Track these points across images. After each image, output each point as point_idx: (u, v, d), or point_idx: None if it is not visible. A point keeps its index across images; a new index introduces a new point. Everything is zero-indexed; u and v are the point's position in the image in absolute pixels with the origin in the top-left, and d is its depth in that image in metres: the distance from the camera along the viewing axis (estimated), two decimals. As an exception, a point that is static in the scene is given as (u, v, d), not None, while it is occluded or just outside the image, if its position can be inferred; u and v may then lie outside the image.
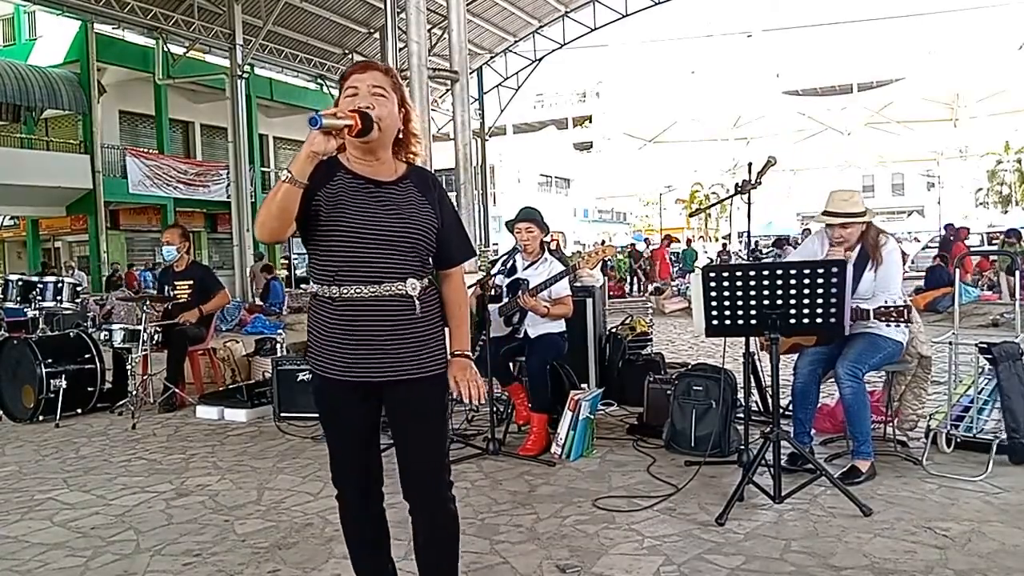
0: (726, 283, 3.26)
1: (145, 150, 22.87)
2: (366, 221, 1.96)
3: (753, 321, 3.25)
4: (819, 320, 3.18)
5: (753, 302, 3.22)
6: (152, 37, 19.50)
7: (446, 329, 2.11)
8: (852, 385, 3.53)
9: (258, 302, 15.48)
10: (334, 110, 1.86)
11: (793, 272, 3.18)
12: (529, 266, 4.55)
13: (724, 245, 20.44)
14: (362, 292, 1.95)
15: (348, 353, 1.98)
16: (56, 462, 4.49)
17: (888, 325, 3.54)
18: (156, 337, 5.78)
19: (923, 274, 14.05)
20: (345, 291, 1.96)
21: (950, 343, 3.92)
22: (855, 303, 3.53)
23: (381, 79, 2.00)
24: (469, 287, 3.39)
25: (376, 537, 2.19)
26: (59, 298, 6.10)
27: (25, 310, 6.51)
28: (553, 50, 26.12)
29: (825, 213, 3.78)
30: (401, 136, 2.07)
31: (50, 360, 5.55)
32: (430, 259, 2.07)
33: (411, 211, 2.01)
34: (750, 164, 4.45)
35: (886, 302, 3.47)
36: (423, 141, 2.15)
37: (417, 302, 1.99)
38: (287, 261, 24.17)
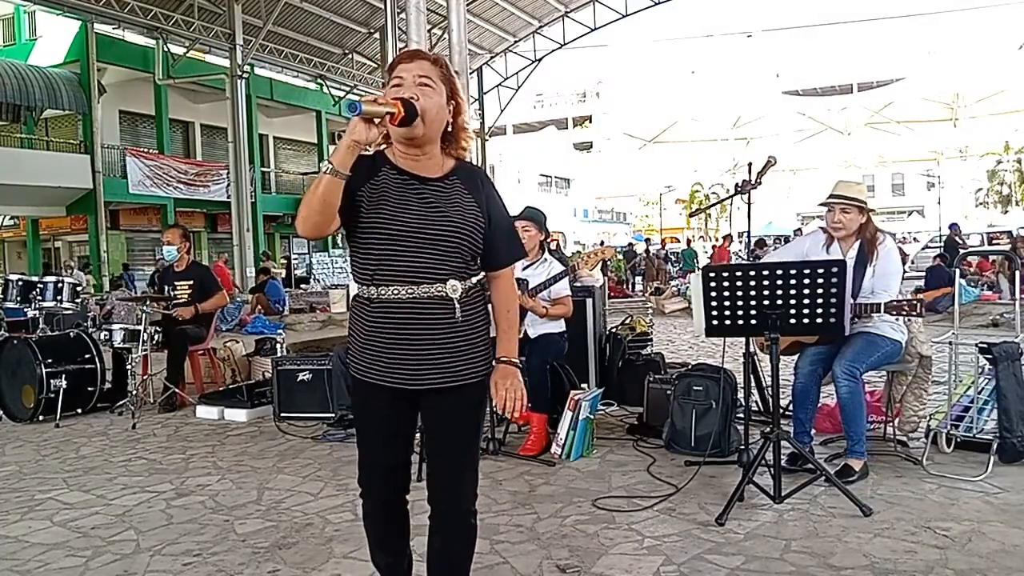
0: (726, 283, 3.26)
1: (145, 150, 22.90)
2: (406, 219, 1.88)
3: (753, 321, 3.25)
4: (819, 320, 3.18)
5: (753, 302, 3.22)
6: (152, 37, 19.54)
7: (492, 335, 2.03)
8: (849, 384, 3.53)
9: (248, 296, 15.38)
10: (375, 97, 1.77)
11: (793, 272, 3.18)
12: (528, 266, 4.55)
13: (715, 247, 20.61)
14: (400, 293, 1.88)
15: (385, 358, 1.92)
16: (56, 462, 4.48)
17: (898, 319, 3.53)
18: (156, 337, 5.78)
19: (923, 274, 14.06)
20: (383, 292, 1.90)
21: (950, 343, 3.92)
22: (861, 300, 3.53)
23: (428, 69, 1.90)
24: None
25: (396, 536, 2.14)
26: (59, 298, 6.09)
27: (25, 310, 6.51)
28: (553, 50, 26.16)
29: (829, 196, 3.77)
30: (450, 130, 1.97)
31: (50, 360, 5.55)
32: (476, 260, 1.98)
33: (455, 209, 1.92)
34: (750, 164, 4.44)
35: (888, 291, 3.46)
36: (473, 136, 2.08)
37: (458, 305, 1.90)
38: (287, 261, 24.19)
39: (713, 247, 23.04)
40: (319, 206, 1.78)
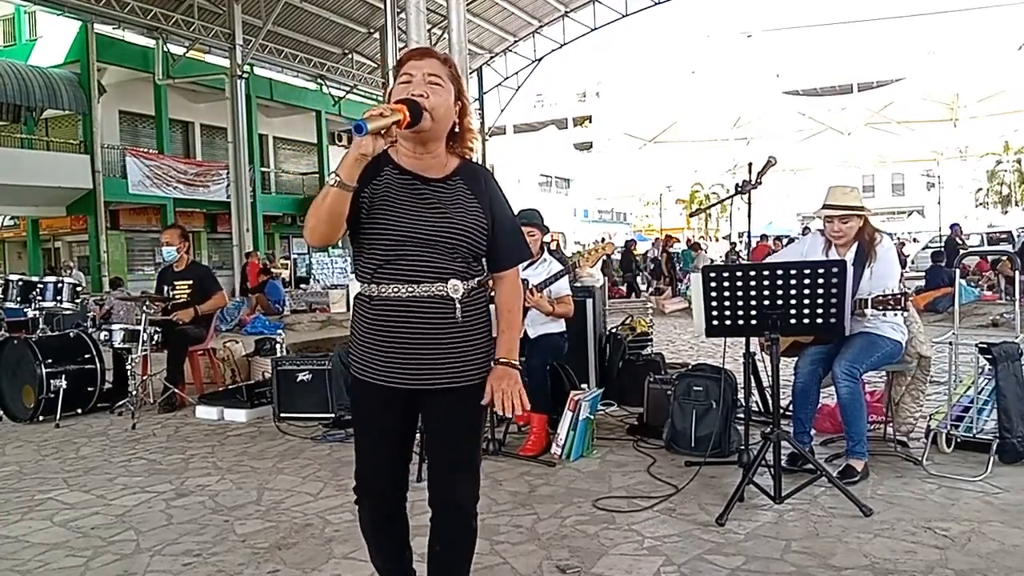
0: (726, 283, 3.26)
1: (145, 150, 22.85)
2: (407, 221, 1.87)
3: (753, 321, 3.25)
4: (819, 320, 3.18)
5: (753, 302, 3.22)
6: (152, 37, 19.51)
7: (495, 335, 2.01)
8: (848, 384, 3.53)
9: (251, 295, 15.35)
10: (379, 109, 1.75)
11: (793, 272, 3.18)
12: (528, 266, 4.56)
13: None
14: (399, 292, 1.87)
15: (384, 357, 1.90)
16: (56, 462, 4.48)
17: (885, 314, 3.53)
18: (156, 337, 5.78)
19: (923, 274, 14.06)
20: (383, 290, 1.88)
21: (950, 343, 3.92)
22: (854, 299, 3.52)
23: (438, 67, 1.90)
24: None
25: (395, 538, 2.11)
26: (59, 298, 6.09)
27: (25, 310, 6.50)
28: (553, 50, 26.15)
29: (825, 207, 3.77)
30: (456, 130, 1.97)
31: (50, 360, 5.55)
32: (480, 261, 1.97)
33: (457, 210, 1.91)
34: (750, 164, 4.44)
35: (884, 291, 3.45)
36: (479, 137, 2.09)
37: (459, 305, 1.89)
38: (287, 261, 24.17)
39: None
40: (327, 216, 1.79)
